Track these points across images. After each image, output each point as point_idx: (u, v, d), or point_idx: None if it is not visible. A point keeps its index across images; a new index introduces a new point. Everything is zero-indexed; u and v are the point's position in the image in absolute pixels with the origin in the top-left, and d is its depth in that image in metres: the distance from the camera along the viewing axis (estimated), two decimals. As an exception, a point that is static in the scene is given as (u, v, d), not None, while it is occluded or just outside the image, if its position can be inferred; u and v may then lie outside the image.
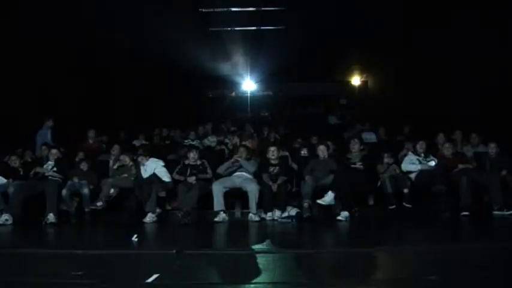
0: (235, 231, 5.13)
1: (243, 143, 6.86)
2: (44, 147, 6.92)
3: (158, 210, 5.84)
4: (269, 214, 5.52)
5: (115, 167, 6.41)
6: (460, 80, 8.50)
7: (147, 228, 5.23)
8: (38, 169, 6.07)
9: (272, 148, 6.04)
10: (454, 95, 8.65)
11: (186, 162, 6.08)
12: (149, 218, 5.56)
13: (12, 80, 8.09)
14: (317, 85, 14.14)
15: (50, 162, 6.20)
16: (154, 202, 5.69)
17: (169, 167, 6.09)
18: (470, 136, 6.97)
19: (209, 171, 6.05)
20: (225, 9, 9.00)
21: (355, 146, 5.95)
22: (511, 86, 7.23)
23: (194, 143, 8.08)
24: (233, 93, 14.49)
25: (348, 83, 14.71)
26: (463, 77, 8.29)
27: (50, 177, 5.95)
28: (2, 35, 7.49)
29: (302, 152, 6.70)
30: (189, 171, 5.94)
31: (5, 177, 6.07)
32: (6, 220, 5.36)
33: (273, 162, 5.93)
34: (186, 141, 8.31)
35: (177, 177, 5.96)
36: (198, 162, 6.06)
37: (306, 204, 5.46)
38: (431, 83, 9.74)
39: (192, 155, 6.05)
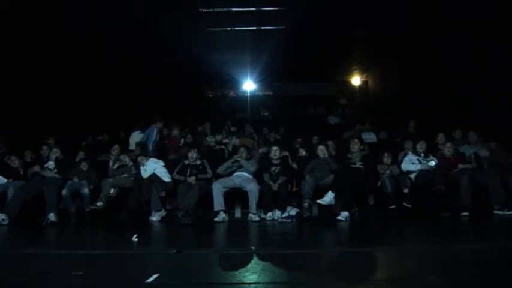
0: (235, 231, 5.12)
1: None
2: (44, 147, 6.89)
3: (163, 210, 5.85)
4: (269, 214, 5.52)
5: (115, 167, 6.42)
6: (459, 80, 8.49)
7: (147, 228, 5.23)
8: (35, 169, 6.06)
9: (274, 148, 6.05)
10: (454, 94, 8.64)
11: (186, 162, 6.08)
12: (157, 216, 5.59)
13: (11, 79, 8.08)
14: (317, 85, 14.15)
15: (50, 162, 6.21)
16: (158, 200, 5.70)
17: (169, 167, 6.10)
18: (469, 135, 6.96)
19: (209, 171, 6.06)
20: (225, 9, 8.99)
21: (355, 146, 5.95)
22: (511, 85, 7.23)
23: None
24: (233, 93, 14.50)
25: (348, 83, 14.73)
26: (463, 77, 8.29)
27: (49, 177, 5.95)
28: (3, 34, 7.49)
29: (300, 152, 6.69)
30: (189, 171, 5.95)
31: (5, 177, 6.08)
32: (3, 220, 5.34)
33: (274, 162, 5.94)
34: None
35: (177, 177, 5.97)
36: (198, 162, 6.07)
37: (306, 204, 5.47)
38: (431, 83, 9.74)
39: (191, 155, 6.05)
